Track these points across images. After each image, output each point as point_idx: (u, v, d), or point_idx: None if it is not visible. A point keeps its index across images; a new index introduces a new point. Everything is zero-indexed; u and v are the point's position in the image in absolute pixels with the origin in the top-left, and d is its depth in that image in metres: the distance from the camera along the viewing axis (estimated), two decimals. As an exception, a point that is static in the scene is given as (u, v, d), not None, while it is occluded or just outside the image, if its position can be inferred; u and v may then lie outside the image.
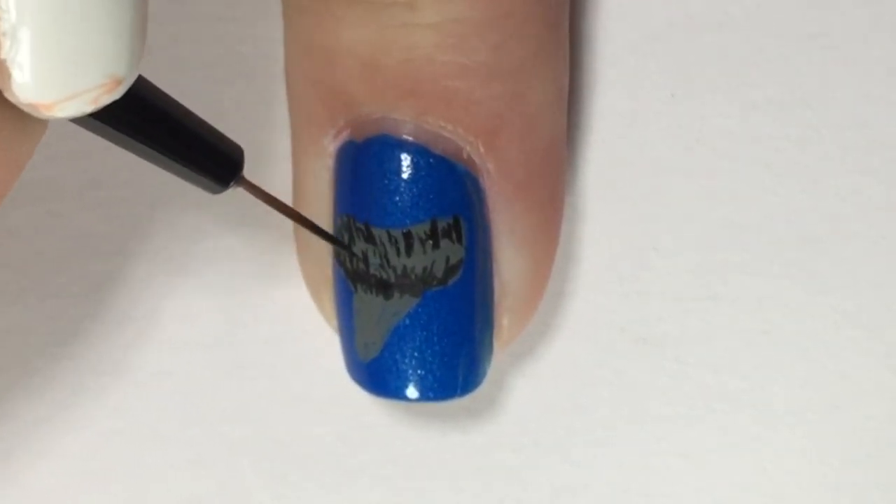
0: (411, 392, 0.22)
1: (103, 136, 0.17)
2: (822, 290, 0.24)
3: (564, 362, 0.24)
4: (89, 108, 0.15)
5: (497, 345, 0.22)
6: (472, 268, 0.21)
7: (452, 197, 0.21)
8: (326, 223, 0.22)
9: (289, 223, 0.24)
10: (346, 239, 0.21)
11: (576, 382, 0.24)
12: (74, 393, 0.25)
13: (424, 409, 0.24)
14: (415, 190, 0.21)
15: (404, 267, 0.21)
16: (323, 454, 0.25)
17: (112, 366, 0.25)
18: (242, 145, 0.25)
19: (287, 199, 0.24)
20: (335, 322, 0.23)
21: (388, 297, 0.21)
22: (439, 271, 0.21)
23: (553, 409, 0.24)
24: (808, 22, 0.24)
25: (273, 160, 0.24)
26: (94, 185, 0.25)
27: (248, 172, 0.24)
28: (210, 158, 0.18)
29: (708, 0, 0.24)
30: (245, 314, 0.25)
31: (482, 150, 0.21)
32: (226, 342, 0.25)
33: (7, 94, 0.14)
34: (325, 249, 0.22)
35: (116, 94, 0.15)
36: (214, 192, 0.19)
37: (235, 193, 0.25)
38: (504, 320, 0.22)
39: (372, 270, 0.21)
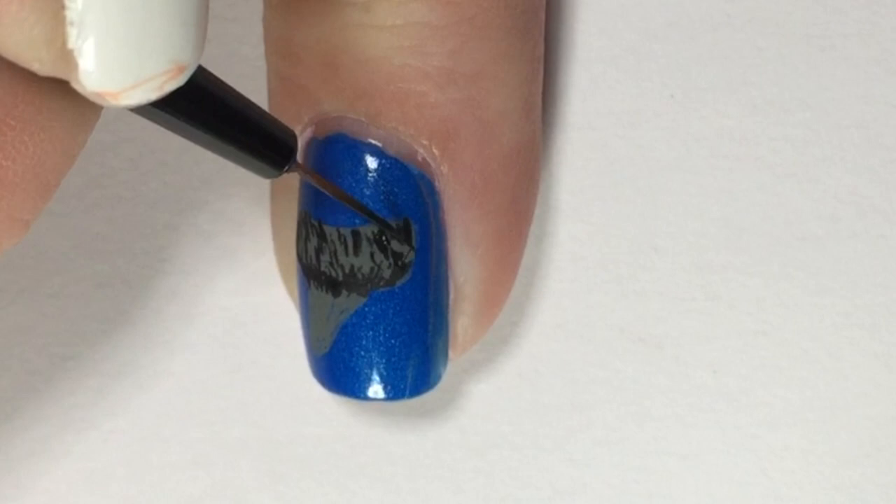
0: (358, 390, 0.22)
1: (163, 124, 0.17)
2: (821, 290, 0.24)
3: (564, 362, 0.24)
4: (154, 95, 0.15)
5: (452, 350, 0.22)
6: (423, 270, 0.21)
7: (404, 199, 0.21)
8: (295, 218, 0.22)
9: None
10: (303, 235, 0.21)
11: (575, 382, 0.24)
12: (74, 393, 0.25)
13: (422, 408, 0.24)
14: (366, 190, 0.21)
15: (352, 266, 0.21)
16: (322, 454, 0.25)
17: (112, 366, 0.25)
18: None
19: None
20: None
21: (336, 294, 0.21)
22: (386, 272, 0.21)
23: (552, 408, 0.24)
24: (808, 22, 0.24)
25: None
26: (94, 185, 0.25)
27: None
28: (266, 144, 0.18)
29: (708, 1, 0.24)
30: (245, 314, 0.25)
31: (436, 153, 0.21)
32: (225, 342, 0.25)
33: (74, 84, 0.14)
34: (292, 244, 0.22)
35: (180, 81, 0.15)
36: (270, 176, 0.18)
37: (236, 193, 0.25)
38: (459, 325, 0.22)
39: (322, 267, 0.21)
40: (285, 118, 0.21)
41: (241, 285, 0.25)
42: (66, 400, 0.25)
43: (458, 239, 0.21)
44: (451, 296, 0.22)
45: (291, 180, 0.22)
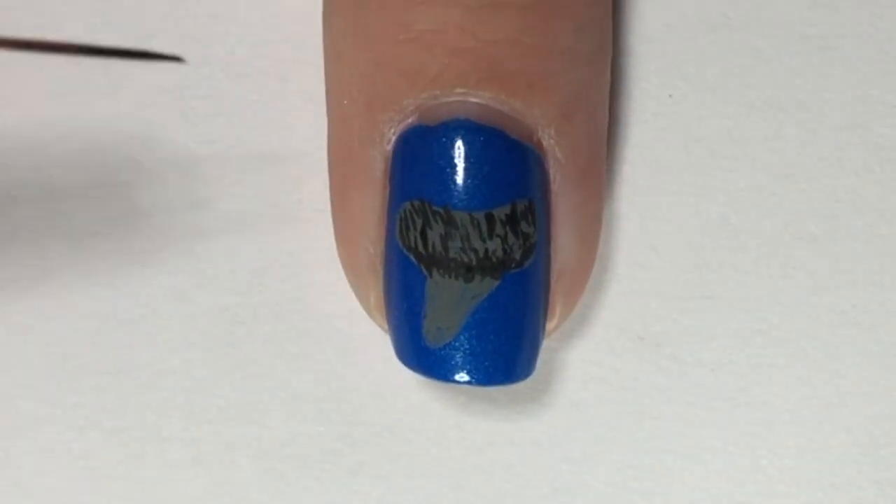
0: (483, 376, 0.21)
1: None
2: (819, 289, 0.24)
3: (563, 361, 0.24)
4: None
5: (549, 330, 0.22)
6: (541, 251, 0.21)
7: (528, 179, 0.21)
8: (377, 210, 0.22)
9: (287, 223, 0.24)
10: (418, 224, 0.21)
11: (574, 381, 0.24)
12: (74, 392, 0.25)
13: (421, 407, 0.24)
14: (497, 173, 0.21)
15: (486, 250, 0.21)
16: (321, 453, 0.25)
17: (112, 365, 0.25)
18: (242, 144, 0.25)
19: (289, 200, 0.24)
20: (382, 314, 0.22)
21: (468, 280, 0.21)
22: (517, 253, 0.21)
23: (552, 407, 0.24)
24: (806, 23, 0.24)
25: (273, 160, 0.24)
26: (94, 185, 0.25)
27: (249, 171, 0.25)
28: None
29: (705, 1, 0.24)
30: (244, 314, 0.25)
31: (553, 133, 0.21)
32: (225, 341, 0.25)
33: None
34: (369, 238, 0.22)
35: None
36: None
37: (236, 192, 0.25)
38: (557, 304, 0.22)
39: (452, 254, 0.21)
40: (378, 107, 0.21)
41: (241, 285, 0.25)
42: (66, 399, 0.25)
43: (564, 218, 0.22)
44: (554, 275, 0.22)
45: (371, 178, 0.22)
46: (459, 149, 0.21)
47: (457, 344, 0.21)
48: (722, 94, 0.24)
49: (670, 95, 0.24)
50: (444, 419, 0.25)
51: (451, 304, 0.21)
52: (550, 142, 0.21)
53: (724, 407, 0.24)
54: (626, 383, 0.24)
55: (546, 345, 0.24)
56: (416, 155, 0.21)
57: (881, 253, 0.24)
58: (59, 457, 0.25)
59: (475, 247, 0.21)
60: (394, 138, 0.21)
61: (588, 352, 0.24)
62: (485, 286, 0.21)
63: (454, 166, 0.21)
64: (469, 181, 0.21)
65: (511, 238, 0.21)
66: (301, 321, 0.24)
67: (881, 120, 0.24)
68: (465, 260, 0.21)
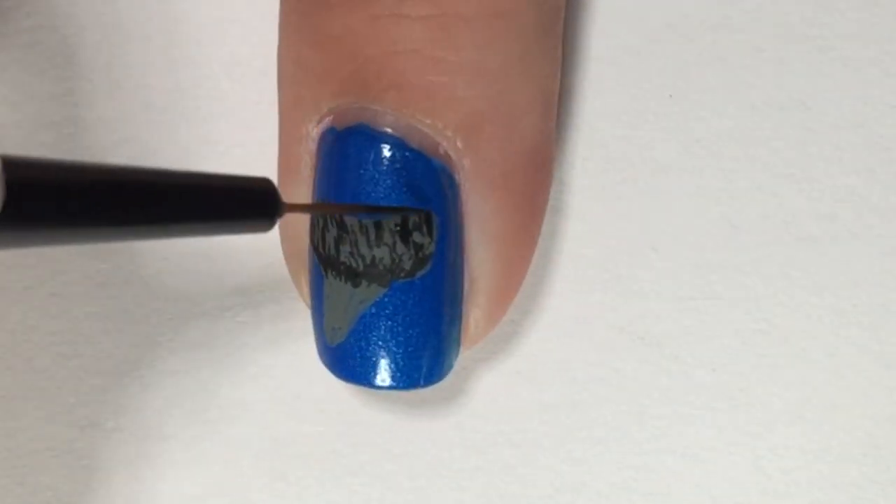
0: (373, 379, 0.22)
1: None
2: (819, 289, 0.24)
3: (563, 361, 0.24)
4: None
5: (463, 342, 0.22)
6: (441, 262, 0.21)
7: (426, 191, 0.21)
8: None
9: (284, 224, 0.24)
10: (320, 224, 0.21)
11: (575, 381, 0.24)
12: (76, 391, 0.25)
13: (422, 407, 0.25)
14: (389, 182, 0.21)
15: (373, 257, 0.21)
16: (322, 452, 0.25)
17: (114, 364, 0.25)
18: (242, 145, 0.25)
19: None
20: (310, 302, 0.23)
21: (355, 284, 0.21)
22: (407, 263, 0.21)
23: (552, 407, 0.24)
24: (806, 23, 0.24)
25: (273, 160, 0.25)
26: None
27: (249, 171, 0.25)
28: (245, 205, 0.18)
29: (705, 2, 0.24)
30: (245, 314, 0.25)
31: (460, 146, 0.21)
32: (226, 341, 0.25)
33: None
34: (303, 230, 0.22)
35: None
36: (265, 230, 0.18)
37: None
38: (471, 318, 0.22)
39: (342, 258, 0.21)
40: (302, 107, 0.21)
41: (241, 285, 0.25)
42: (68, 398, 0.25)
43: (474, 232, 0.21)
44: (466, 287, 0.22)
45: (300, 174, 0.22)
46: (356, 154, 0.21)
47: (346, 346, 0.22)
48: (722, 95, 0.24)
49: (670, 95, 0.24)
50: (445, 419, 0.25)
51: (341, 305, 0.22)
52: (457, 153, 0.21)
53: (724, 407, 0.24)
54: (627, 383, 0.24)
55: (545, 345, 0.24)
56: (325, 157, 0.21)
57: (881, 253, 0.24)
58: (62, 455, 0.25)
59: (363, 253, 0.21)
60: (317, 137, 0.21)
61: (589, 352, 0.24)
62: (371, 292, 0.21)
63: (348, 171, 0.21)
64: (360, 187, 0.21)
65: (400, 247, 0.21)
66: (301, 321, 0.24)
67: (881, 120, 0.24)
68: (353, 265, 0.21)
